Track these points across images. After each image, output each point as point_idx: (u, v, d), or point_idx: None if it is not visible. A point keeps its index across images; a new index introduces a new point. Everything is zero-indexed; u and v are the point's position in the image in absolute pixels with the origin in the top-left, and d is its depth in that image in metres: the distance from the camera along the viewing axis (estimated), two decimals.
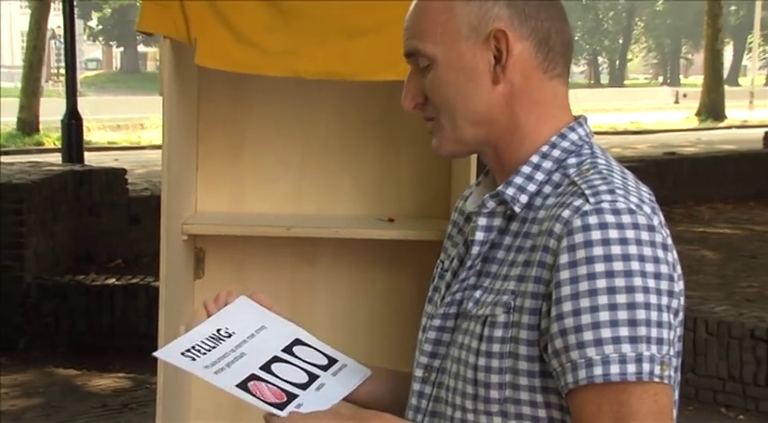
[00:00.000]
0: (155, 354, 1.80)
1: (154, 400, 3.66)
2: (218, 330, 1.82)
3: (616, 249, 1.48)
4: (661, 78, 76.91)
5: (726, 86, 37.06)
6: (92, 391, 7.19)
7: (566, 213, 1.52)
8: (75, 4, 15.68)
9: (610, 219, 1.49)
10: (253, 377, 1.72)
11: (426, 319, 1.75)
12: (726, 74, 45.11)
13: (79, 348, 7.88)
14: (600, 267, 1.47)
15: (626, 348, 1.46)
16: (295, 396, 1.70)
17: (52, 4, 24.90)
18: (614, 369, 1.45)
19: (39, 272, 8.22)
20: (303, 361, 1.83)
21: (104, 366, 7.57)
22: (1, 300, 7.90)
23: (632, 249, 1.48)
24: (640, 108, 41.64)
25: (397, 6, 3.45)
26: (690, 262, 10.67)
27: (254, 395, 1.68)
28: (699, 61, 56.03)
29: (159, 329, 3.52)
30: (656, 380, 1.47)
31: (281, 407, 1.67)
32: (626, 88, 63.06)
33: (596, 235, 1.48)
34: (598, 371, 1.46)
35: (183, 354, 1.74)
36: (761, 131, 20.73)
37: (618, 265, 1.47)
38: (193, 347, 1.76)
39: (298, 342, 1.88)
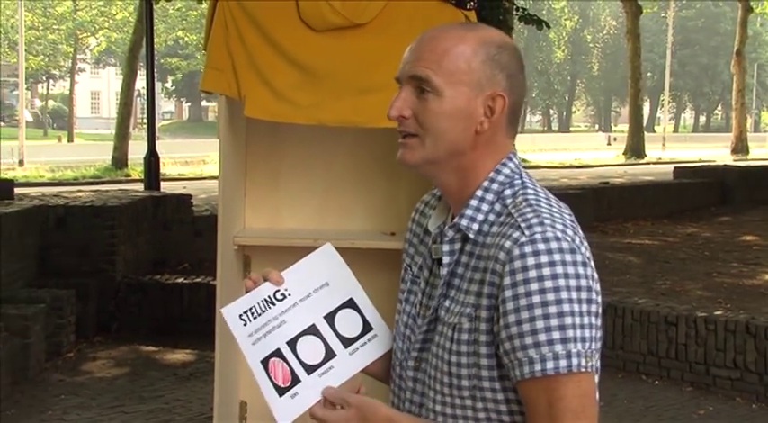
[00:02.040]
0: (222, 309, 1.69)
1: (213, 371, 3.64)
2: (276, 292, 1.70)
3: (546, 271, 1.47)
4: (597, 126, 76.94)
5: (645, 132, 37.10)
6: (166, 363, 7.17)
7: (507, 244, 1.50)
8: (155, 70, 15.70)
9: (541, 247, 1.48)
10: (276, 353, 1.65)
11: (408, 318, 1.71)
12: (645, 123, 45.14)
13: (156, 331, 7.87)
14: (534, 286, 1.46)
15: (558, 348, 1.45)
16: (298, 381, 1.64)
17: (138, 72, 24.98)
18: (549, 364, 1.45)
19: (126, 273, 8.22)
20: (335, 332, 1.70)
21: (175, 344, 7.56)
22: (98, 294, 7.90)
23: (558, 269, 1.47)
24: (582, 148, 41.72)
25: (395, 71, 3.44)
26: (619, 265, 10.66)
27: (269, 374, 1.63)
28: (625, 113, 56.09)
29: (216, 317, 3.50)
30: (582, 370, 1.47)
31: (281, 392, 1.62)
32: (571, 133, 63.13)
33: (531, 261, 1.47)
34: (537, 367, 1.46)
35: (240, 316, 1.67)
36: (671, 167, 20.80)
37: (548, 284, 1.46)
38: (251, 309, 1.67)
39: (347, 304, 1.75)
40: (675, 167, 19.45)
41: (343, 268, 1.77)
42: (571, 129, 72.74)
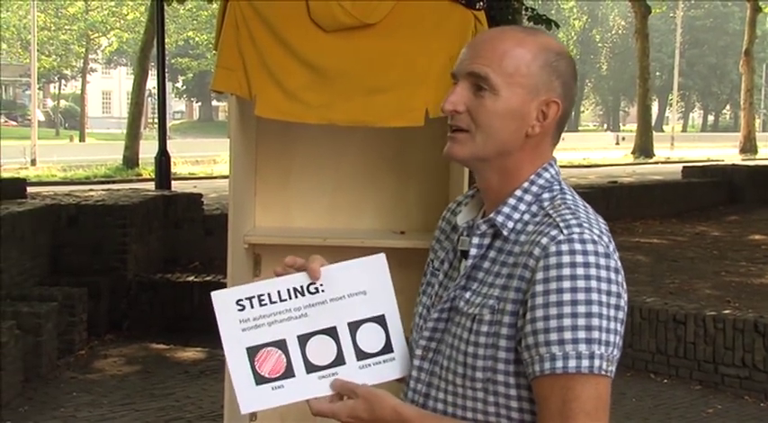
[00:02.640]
0: (213, 293, 1.64)
1: (223, 369, 3.64)
2: (310, 284, 1.64)
3: (580, 271, 1.47)
4: (606, 125, 76.80)
5: (653, 132, 37.01)
6: (177, 361, 7.18)
7: (544, 240, 1.51)
8: (166, 70, 15.73)
9: (578, 247, 1.49)
10: (277, 343, 1.61)
11: (423, 309, 1.72)
12: (653, 122, 45.02)
13: (168, 329, 7.89)
14: (566, 284, 1.47)
15: (582, 347, 1.45)
16: (290, 376, 1.60)
17: (149, 72, 25.04)
18: (571, 363, 1.45)
19: (138, 271, 8.23)
20: (353, 341, 1.64)
21: (186, 343, 7.57)
22: (110, 292, 7.92)
23: (592, 271, 1.48)
24: (590, 148, 41.57)
25: (405, 70, 3.45)
26: (627, 264, 10.58)
27: (253, 362, 1.58)
28: (633, 113, 55.96)
29: None
30: (602, 373, 1.46)
31: (261, 381, 1.58)
32: (580, 133, 62.87)
33: (566, 259, 1.48)
34: (558, 363, 1.45)
35: (238, 301, 1.61)
36: (680, 166, 20.72)
37: (581, 283, 1.47)
38: (259, 296, 1.61)
39: (377, 319, 1.66)
40: (684, 167, 19.38)
41: (387, 283, 1.69)
42: (580, 128, 72.51)
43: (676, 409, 6.09)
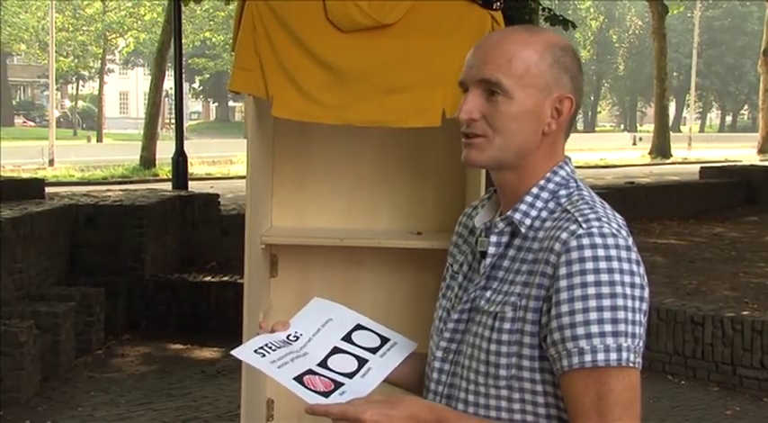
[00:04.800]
0: (232, 352, 1.73)
1: (240, 369, 3.65)
2: (288, 336, 1.76)
3: (603, 264, 1.48)
4: (622, 126, 76.52)
5: (671, 132, 36.83)
6: (194, 360, 7.20)
7: (563, 235, 1.52)
8: (183, 71, 15.77)
9: (598, 241, 1.50)
10: (309, 372, 1.67)
11: (442, 311, 1.73)
12: (671, 123, 44.82)
13: (184, 328, 7.91)
14: (590, 278, 1.48)
15: (609, 340, 1.46)
16: (341, 384, 1.65)
17: (166, 72, 25.11)
18: (600, 356, 1.46)
19: (155, 271, 8.26)
20: (358, 346, 1.77)
21: (203, 342, 7.60)
22: (127, 292, 7.95)
23: (615, 264, 1.49)
24: (607, 148, 41.41)
25: (422, 71, 3.44)
26: (645, 265, 10.30)
27: (307, 387, 1.63)
28: (650, 113, 55.81)
29: (243, 314, 3.51)
30: (631, 365, 1.48)
31: (326, 395, 1.62)
32: (596, 133, 62.69)
33: (588, 253, 1.49)
34: (588, 358, 1.46)
35: (255, 351, 1.69)
36: (697, 166, 20.62)
37: (604, 277, 1.48)
38: (267, 345, 1.71)
39: (358, 327, 1.82)
40: (701, 167, 19.27)
41: (339, 307, 1.86)
42: (596, 128, 72.33)
43: (694, 410, 6.06)
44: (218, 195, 10.18)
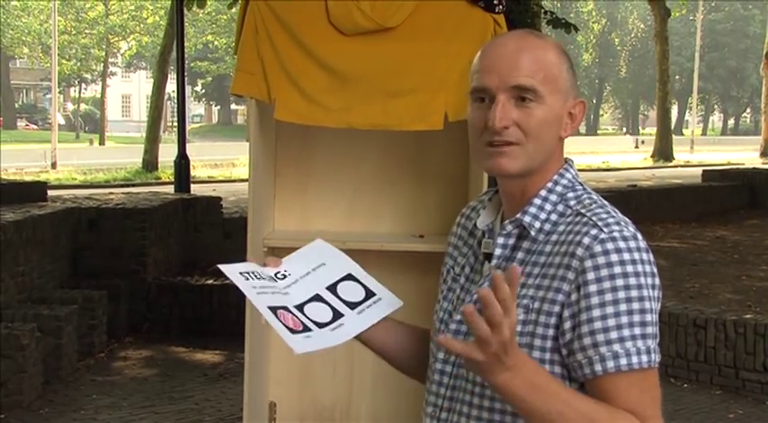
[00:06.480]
0: (219, 265, 1.77)
1: (242, 372, 3.65)
2: (276, 273, 1.78)
3: (629, 268, 1.50)
4: (625, 129, 76.50)
5: (673, 135, 36.83)
6: (196, 363, 7.20)
7: (586, 240, 1.52)
8: (185, 74, 15.78)
9: (622, 245, 1.51)
10: (284, 308, 1.70)
11: (443, 313, 1.73)
12: (673, 126, 44.82)
13: (187, 331, 7.92)
14: (620, 282, 1.49)
15: (639, 343, 1.49)
16: (309, 329, 1.68)
17: (169, 75, 25.13)
18: (634, 359, 1.49)
19: (157, 274, 8.27)
20: (339, 299, 1.78)
21: (205, 345, 7.60)
22: (129, 295, 7.95)
23: (639, 267, 1.51)
24: (609, 151, 41.46)
25: (425, 74, 3.44)
26: None
27: (278, 318, 1.66)
28: (653, 116, 55.82)
29: (246, 318, 3.51)
30: (655, 366, 1.52)
31: (294, 332, 1.66)
32: (599, 136, 62.64)
33: (614, 258, 1.50)
34: (623, 361, 1.48)
35: (241, 273, 1.73)
36: (699, 170, 20.63)
37: (632, 281, 1.50)
38: (254, 272, 1.74)
39: (348, 277, 1.83)
40: (704, 170, 19.29)
41: (338, 253, 1.88)
42: (599, 132, 72.31)
43: (697, 414, 6.05)
44: (220, 198, 10.19)
